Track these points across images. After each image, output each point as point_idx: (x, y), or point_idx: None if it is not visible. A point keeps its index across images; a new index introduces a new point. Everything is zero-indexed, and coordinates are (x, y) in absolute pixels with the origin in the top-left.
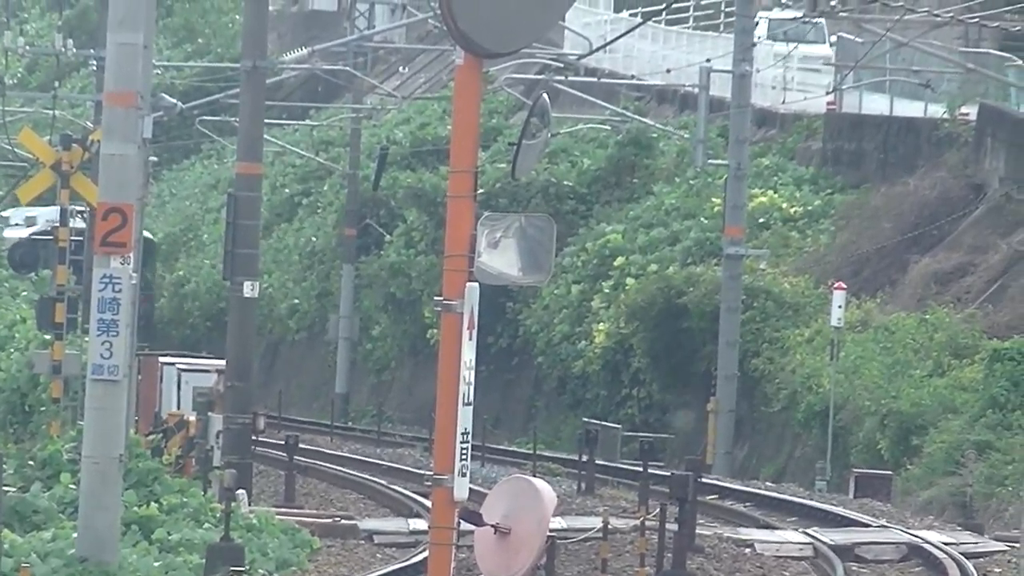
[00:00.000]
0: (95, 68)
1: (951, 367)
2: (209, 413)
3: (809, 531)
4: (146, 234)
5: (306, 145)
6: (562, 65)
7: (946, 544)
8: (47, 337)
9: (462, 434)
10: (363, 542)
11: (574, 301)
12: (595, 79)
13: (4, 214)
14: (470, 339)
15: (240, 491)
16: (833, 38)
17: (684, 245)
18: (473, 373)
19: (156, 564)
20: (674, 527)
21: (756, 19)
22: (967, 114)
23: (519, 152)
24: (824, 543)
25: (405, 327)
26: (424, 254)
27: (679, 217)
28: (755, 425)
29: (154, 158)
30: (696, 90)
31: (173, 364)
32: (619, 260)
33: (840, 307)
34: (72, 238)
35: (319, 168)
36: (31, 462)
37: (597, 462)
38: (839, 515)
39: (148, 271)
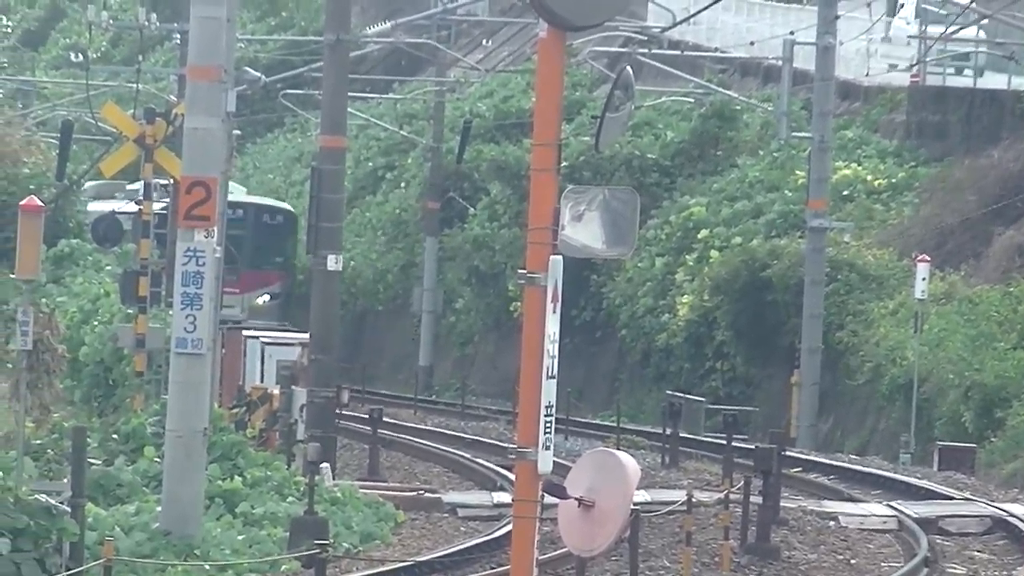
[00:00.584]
0: (178, 42)
1: None
2: (293, 387)
3: (893, 504)
4: (285, 206)
5: (390, 118)
6: (645, 38)
7: None
8: (130, 311)
9: (546, 407)
10: (447, 515)
11: (658, 274)
12: (678, 52)
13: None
14: (554, 312)
15: (324, 464)
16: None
17: (768, 218)
18: (557, 346)
19: (240, 537)
20: (758, 500)
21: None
22: None
23: (603, 125)
24: (908, 516)
25: (488, 300)
26: (507, 227)
27: (763, 190)
28: (839, 398)
29: (238, 132)
30: (780, 63)
31: (257, 338)
32: (703, 233)
33: (924, 280)
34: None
35: (403, 141)
36: (115, 436)
37: (681, 435)
38: (923, 488)
39: (289, 247)
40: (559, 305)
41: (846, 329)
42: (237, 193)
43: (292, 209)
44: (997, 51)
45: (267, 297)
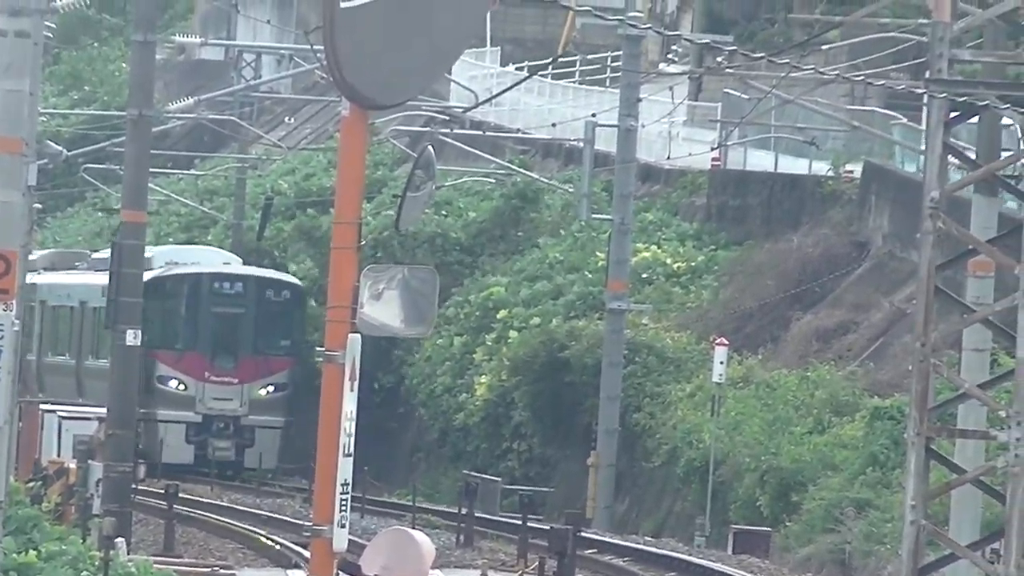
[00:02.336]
0: None
1: (832, 424)
2: (89, 461)
3: None
4: (292, 279)
5: (191, 194)
6: (448, 118)
7: None
8: None
9: (342, 485)
10: None
11: (456, 353)
12: (481, 132)
13: None
14: (351, 390)
15: (119, 539)
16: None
17: (567, 299)
18: (354, 424)
19: None
20: None
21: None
22: (852, 171)
23: (404, 204)
24: None
25: None
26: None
27: (563, 270)
28: (636, 479)
29: (38, 205)
30: (581, 144)
31: (54, 411)
32: (502, 313)
33: (722, 363)
34: None
35: (204, 217)
36: None
37: (476, 515)
38: (718, 571)
39: (297, 328)
40: (356, 383)
41: (643, 411)
42: (233, 264)
43: (299, 283)
44: (798, 136)
45: (271, 388)
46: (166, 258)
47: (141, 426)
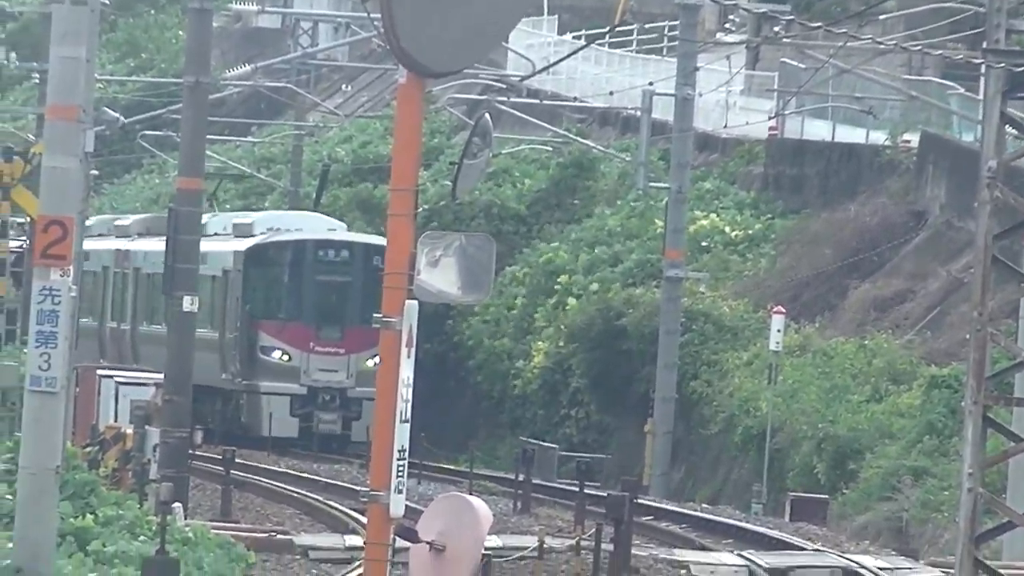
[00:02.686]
0: (37, 81)
1: (889, 393)
2: (146, 426)
3: (744, 554)
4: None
5: (248, 161)
6: (505, 86)
7: (881, 569)
8: None
9: (399, 451)
10: (298, 557)
11: (518, 313)
12: (537, 100)
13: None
14: (408, 357)
15: (176, 504)
16: None
17: (626, 266)
18: (411, 391)
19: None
20: (610, 547)
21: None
22: (909, 141)
23: (460, 172)
24: (759, 566)
25: None
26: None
27: (620, 238)
28: (692, 447)
29: (95, 172)
30: (638, 113)
31: (111, 377)
32: (562, 278)
33: (779, 331)
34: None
35: (261, 184)
36: None
37: (534, 481)
38: (774, 538)
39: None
40: (414, 350)
41: (700, 379)
42: (339, 230)
43: None
44: (855, 105)
45: (378, 359)
46: (267, 224)
47: (243, 399)
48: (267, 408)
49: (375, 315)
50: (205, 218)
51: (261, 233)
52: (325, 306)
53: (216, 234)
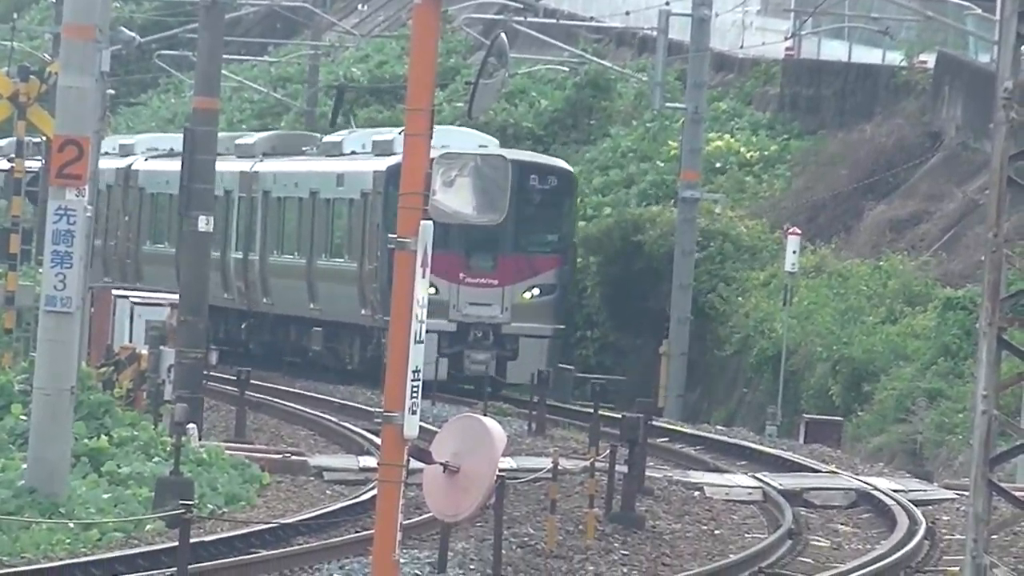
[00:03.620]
0: (54, 0)
1: (904, 314)
2: (161, 347)
3: (759, 475)
4: (561, 164)
5: (264, 81)
6: (521, 6)
7: (895, 491)
8: (1, 268)
9: (413, 372)
10: (313, 478)
11: None
12: (554, 20)
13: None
14: (423, 277)
15: (191, 425)
16: None
17: (640, 188)
18: (425, 311)
19: (105, 496)
20: (624, 469)
21: None
22: (925, 62)
23: (476, 91)
24: (773, 487)
25: None
26: None
27: (636, 160)
28: (707, 369)
29: (112, 91)
30: (654, 33)
31: (126, 297)
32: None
33: (795, 252)
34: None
35: (277, 104)
36: None
37: (548, 403)
38: (789, 460)
39: (567, 221)
40: (428, 270)
41: (716, 293)
42: (491, 147)
43: (569, 168)
44: (872, 26)
45: (536, 291)
46: None
47: (384, 335)
48: None
49: (532, 242)
50: (340, 135)
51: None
52: (476, 232)
53: (353, 152)
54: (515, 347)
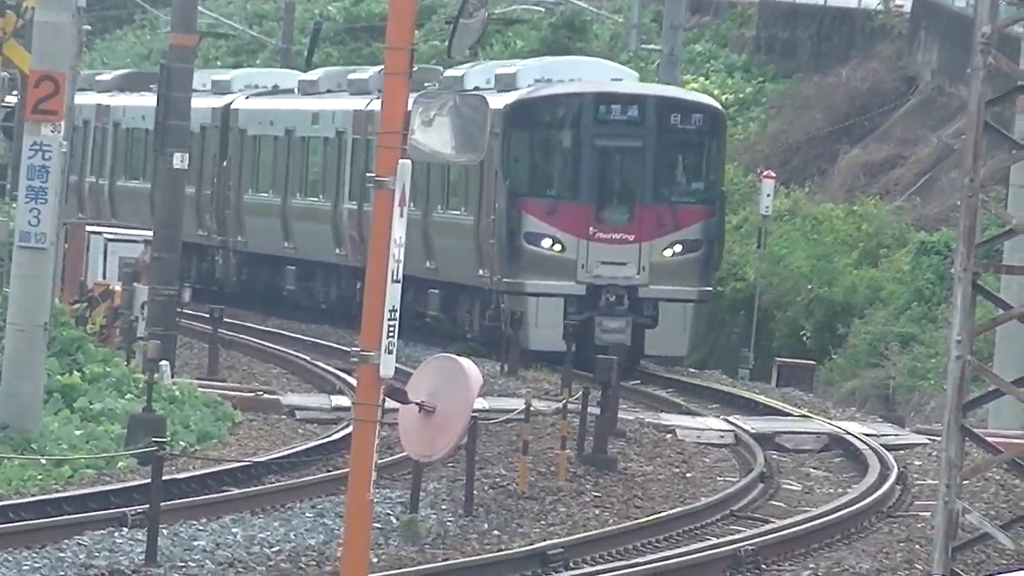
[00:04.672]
0: None
1: (878, 258)
2: (134, 284)
3: (730, 419)
4: (709, 101)
5: (239, 18)
6: None
7: (867, 436)
8: None
9: (390, 311)
10: (285, 417)
11: None
12: None
13: None
14: (401, 216)
15: (163, 362)
16: None
17: None
18: (403, 250)
19: (78, 433)
20: (596, 411)
21: None
22: (902, 6)
23: (456, 31)
24: (745, 431)
25: None
26: None
27: None
28: None
29: (88, 27)
30: None
31: (100, 234)
32: None
33: (769, 195)
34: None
35: (252, 42)
36: None
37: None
38: (761, 403)
39: (716, 166)
40: (406, 209)
41: None
42: (627, 80)
43: (718, 105)
44: None
45: (679, 247)
46: (534, 75)
47: (503, 299)
48: (534, 313)
49: (675, 191)
50: (463, 69)
51: (528, 86)
52: (609, 180)
53: (477, 88)
54: (654, 313)
